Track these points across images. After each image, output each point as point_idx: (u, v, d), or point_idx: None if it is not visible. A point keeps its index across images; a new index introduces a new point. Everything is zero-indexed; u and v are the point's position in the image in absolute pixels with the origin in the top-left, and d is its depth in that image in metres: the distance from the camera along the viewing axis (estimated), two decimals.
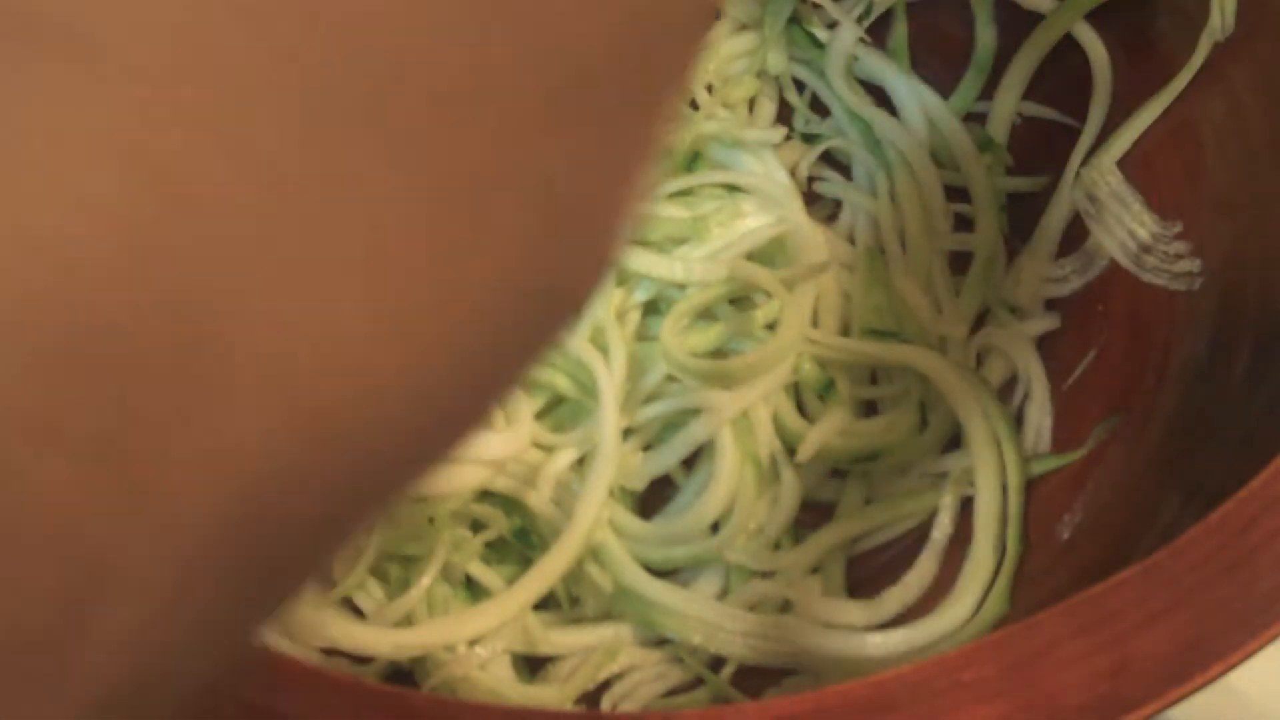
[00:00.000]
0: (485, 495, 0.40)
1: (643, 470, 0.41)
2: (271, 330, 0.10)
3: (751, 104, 0.48)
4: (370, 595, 0.38)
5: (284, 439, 0.10)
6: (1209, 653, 0.25)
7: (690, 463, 0.42)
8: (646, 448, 0.42)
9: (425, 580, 0.38)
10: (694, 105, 0.47)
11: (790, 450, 0.42)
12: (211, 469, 0.10)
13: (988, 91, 0.46)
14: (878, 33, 0.48)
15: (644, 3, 0.11)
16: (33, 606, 0.09)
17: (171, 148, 0.09)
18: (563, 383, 0.41)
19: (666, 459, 0.41)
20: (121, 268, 0.09)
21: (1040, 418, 0.42)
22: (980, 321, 0.44)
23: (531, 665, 0.39)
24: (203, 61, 0.09)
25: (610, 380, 0.40)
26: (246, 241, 0.10)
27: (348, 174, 0.10)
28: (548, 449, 0.41)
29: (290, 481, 0.10)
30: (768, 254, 0.44)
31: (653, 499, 0.41)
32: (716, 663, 0.38)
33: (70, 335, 0.09)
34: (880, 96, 0.47)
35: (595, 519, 0.38)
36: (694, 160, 0.46)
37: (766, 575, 0.40)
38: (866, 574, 0.41)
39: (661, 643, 0.39)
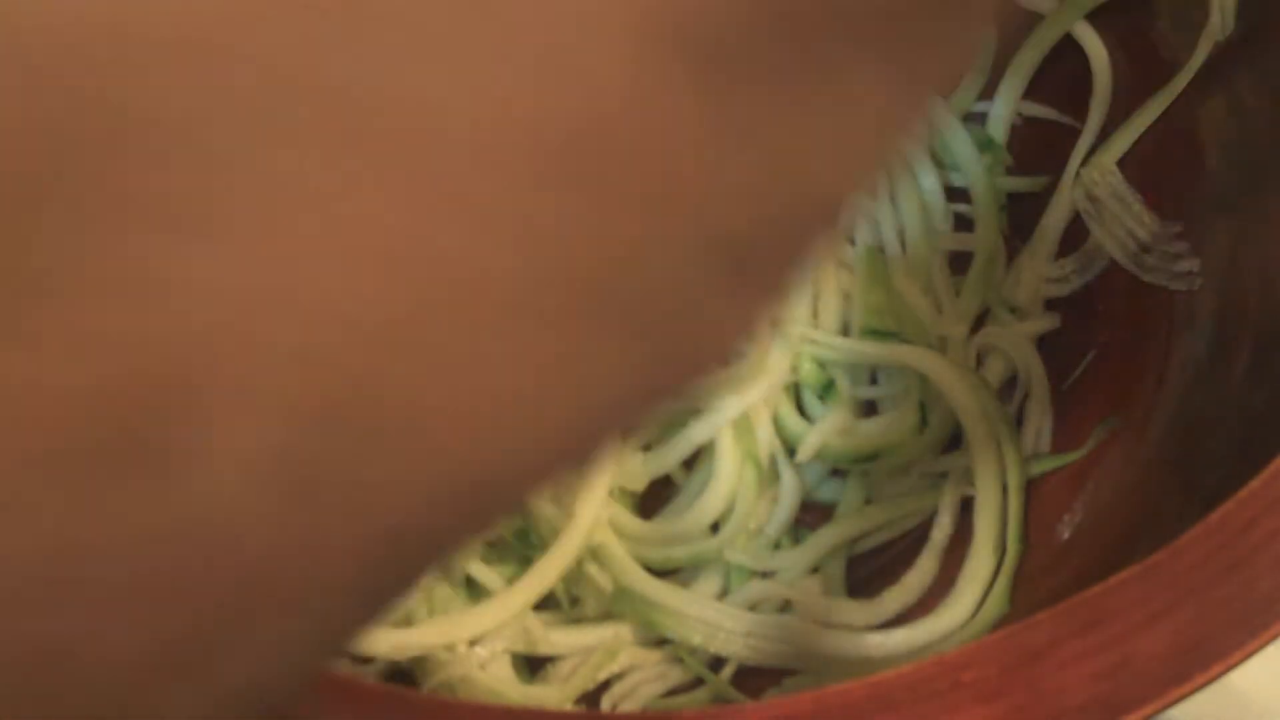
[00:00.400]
0: None
1: (643, 470, 0.41)
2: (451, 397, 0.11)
3: None
4: None
5: (443, 487, 0.11)
6: (1209, 653, 0.25)
7: (690, 463, 0.42)
8: (646, 448, 0.42)
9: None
10: None
11: (790, 450, 0.42)
12: (381, 504, 0.11)
13: (988, 91, 0.46)
14: None
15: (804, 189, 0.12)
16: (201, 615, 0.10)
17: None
18: None
19: (666, 459, 0.41)
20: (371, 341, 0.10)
21: (1040, 418, 0.42)
22: (980, 321, 0.44)
23: (531, 665, 0.39)
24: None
25: None
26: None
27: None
28: None
29: (436, 522, 0.11)
30: None
31: (653, 499, 0.41)
32: (716, 663, 0.38)
33: (329, 395, 0.10)
34: None
35: (595, 519, 0.38)
36: None
37: (766, 575, 0.40)
38: (866, 574, 0.41)
39: (661, 643, 0.39)
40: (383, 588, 0.12)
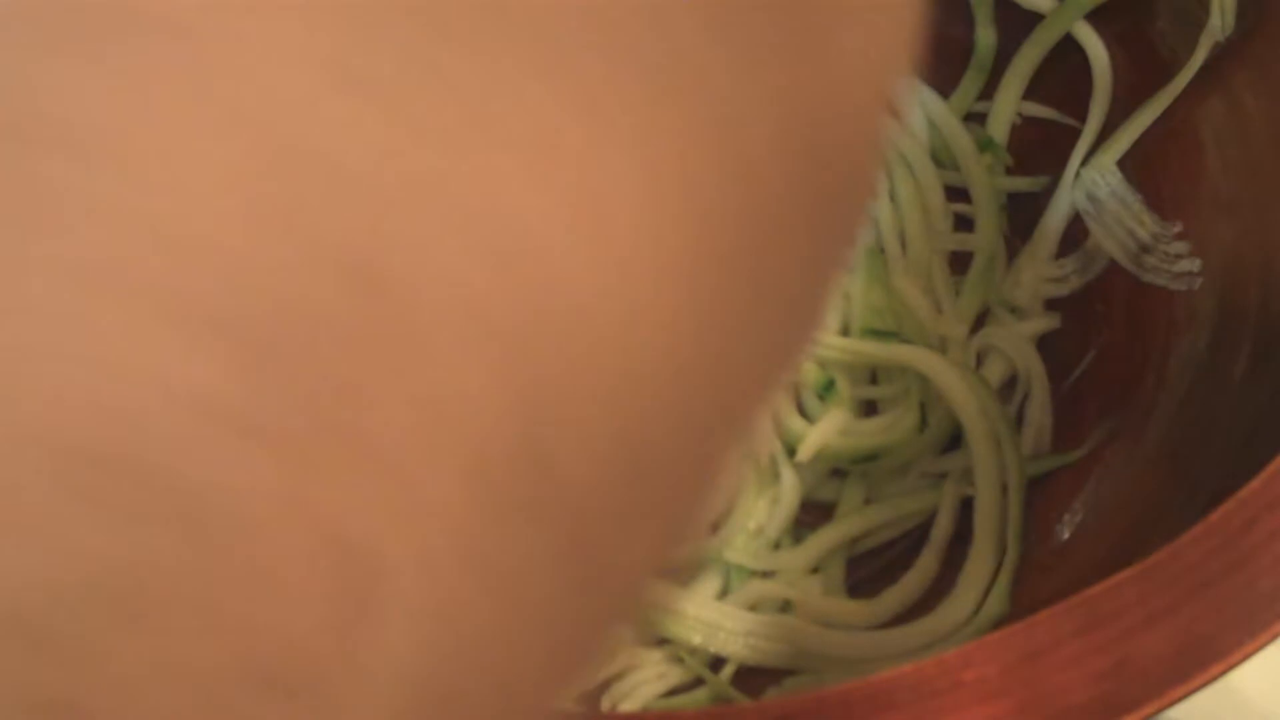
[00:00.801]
0: None
1: None
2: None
3: None
4: None
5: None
6: (1209, 653, 0.25)
7: None
8: None
9: None
10: None
11: (790, 450, 0.42)
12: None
13: (988, 91, 0.46)
14: None
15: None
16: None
17: None
18: None
19: None
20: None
21: (1040, 418, 0.42)
22: (980, 321, 0.44)
23: None
24: None
25: None
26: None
27: None
28: None
29: None
30: None
31: None
32: (716, 663, 0.38)
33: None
34: None
35: None
36: None
37: (766, 575, 0.40)
38: (866, 574, 0.41)
39: (661, 643, 0.39)
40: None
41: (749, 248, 0.11)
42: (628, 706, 0.38)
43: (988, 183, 0.45)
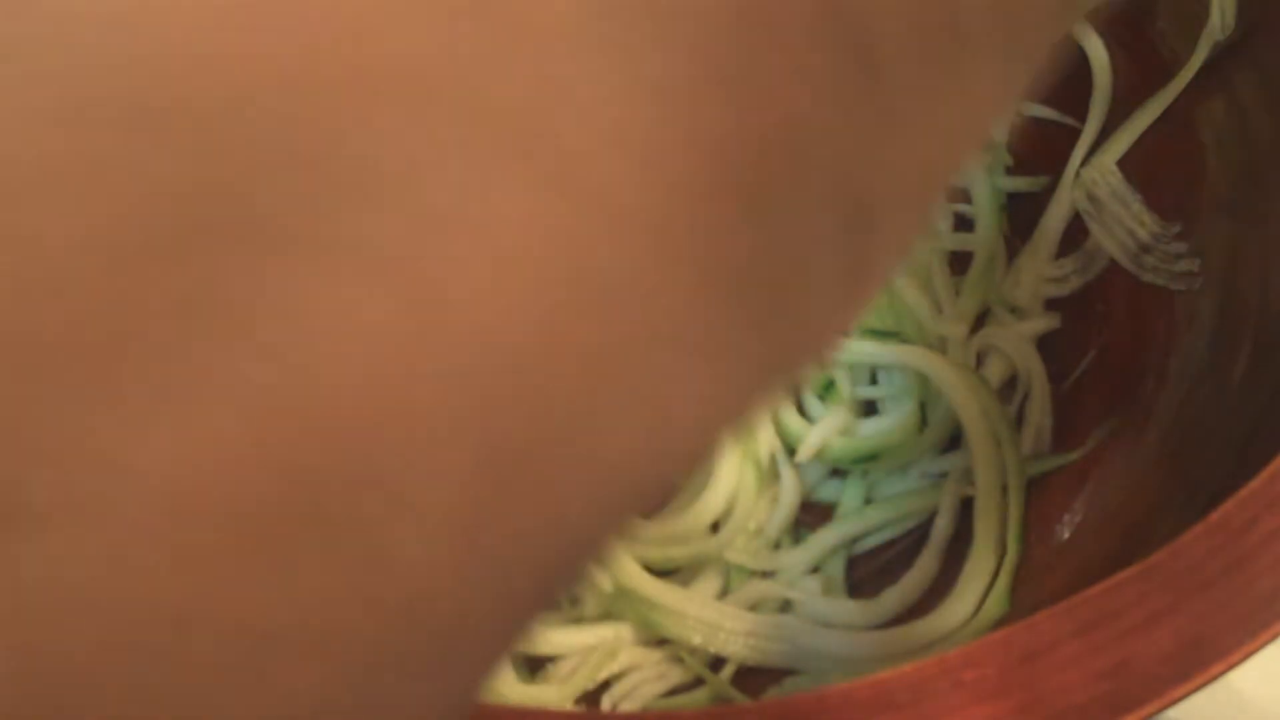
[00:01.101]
0: None
1: None
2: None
3: None
4: None
5: (610, 493, 0.11)
6: (1209, 653, 0.25)
7: None
8: None
9: None
10: None
11: (790, 450, 0.42)
12: (560, 528, 0.11)
13: None
14: None
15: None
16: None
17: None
18: None
19: None
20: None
21: (1040, 418, 0.42)
22: (980, 321, 0.44)
23: (531, 665, 0.39)
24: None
25: None
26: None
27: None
28: None
29: (601, 530, 0.11)
30: None
31: None
32: (716, 663, 0.38)
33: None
34: None
35: None
36: None
37: (766, 575, 0.40)
38: (866, 574, 0.41)
39: (661, 643, 0.39)
40: (547, 606, 0.12)
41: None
42: (628, 706, 0.38)
43: (988, 183, 0.45)
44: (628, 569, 0.39)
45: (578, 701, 0.38)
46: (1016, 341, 0.43)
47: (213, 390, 0.09)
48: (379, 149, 0.09)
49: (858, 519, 0.41)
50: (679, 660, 0.38)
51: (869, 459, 0.42)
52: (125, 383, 0.08)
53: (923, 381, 0.42)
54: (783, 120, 0.10)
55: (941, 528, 0.40)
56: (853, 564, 0.41)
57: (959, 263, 0.45)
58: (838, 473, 0.42)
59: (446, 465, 0.09)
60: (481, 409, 0.09)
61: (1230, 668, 0.24)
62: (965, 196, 0.46)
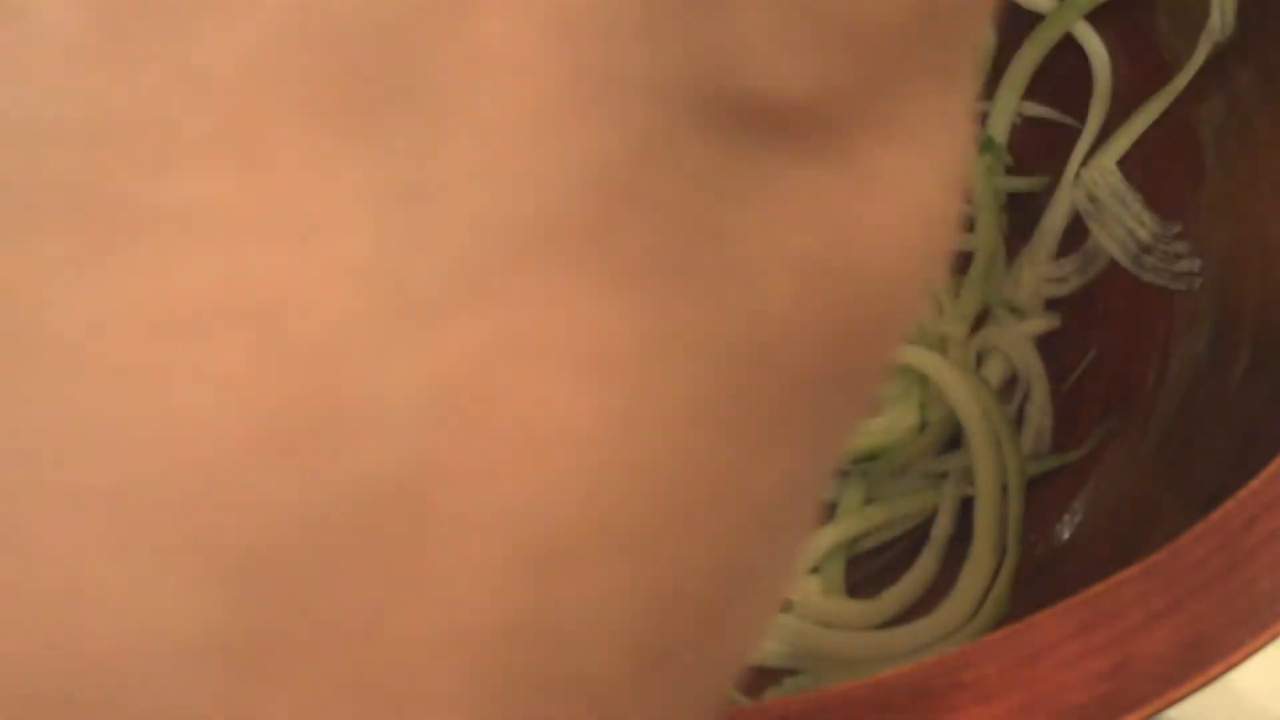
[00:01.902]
0: None
1: None
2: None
3: None
4: None
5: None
6: (1209, 653, 0.25)
7: None
8: None
9: None
10: None
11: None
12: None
13: (988, 91, 0.46)
14: None
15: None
16: None
17: None
18: None
19: None
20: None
21: (1040, 418, 0.42)
22: (980, 321, 0.44)
23: None
24: None
25: None
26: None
27: None
28: None
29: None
30: None
31: None
32: None
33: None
34: None
35: None
36: None
37: None
38: (866, 574, 0.41)
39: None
40: None
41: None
42: None
43: (988, 183, 0.45)
44: None
45: None
46: (1016, 341, 0.43)
47: None
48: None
49: (858, 519, 0.41)
50: None
51: (869, 459, 0.42)
52: None
53: (923, 381, 0.42)
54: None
55: (941, 528, 0.40)
56: (853, 564, 0.41)
57: (959, 263, 0.45)
58: (838, 473, 0.42)
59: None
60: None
61: (1230, 668, 0.24)
62: (965, 196, 0.45)
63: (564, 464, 0.09)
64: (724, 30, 0.09)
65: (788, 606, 0.39)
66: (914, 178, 0.11)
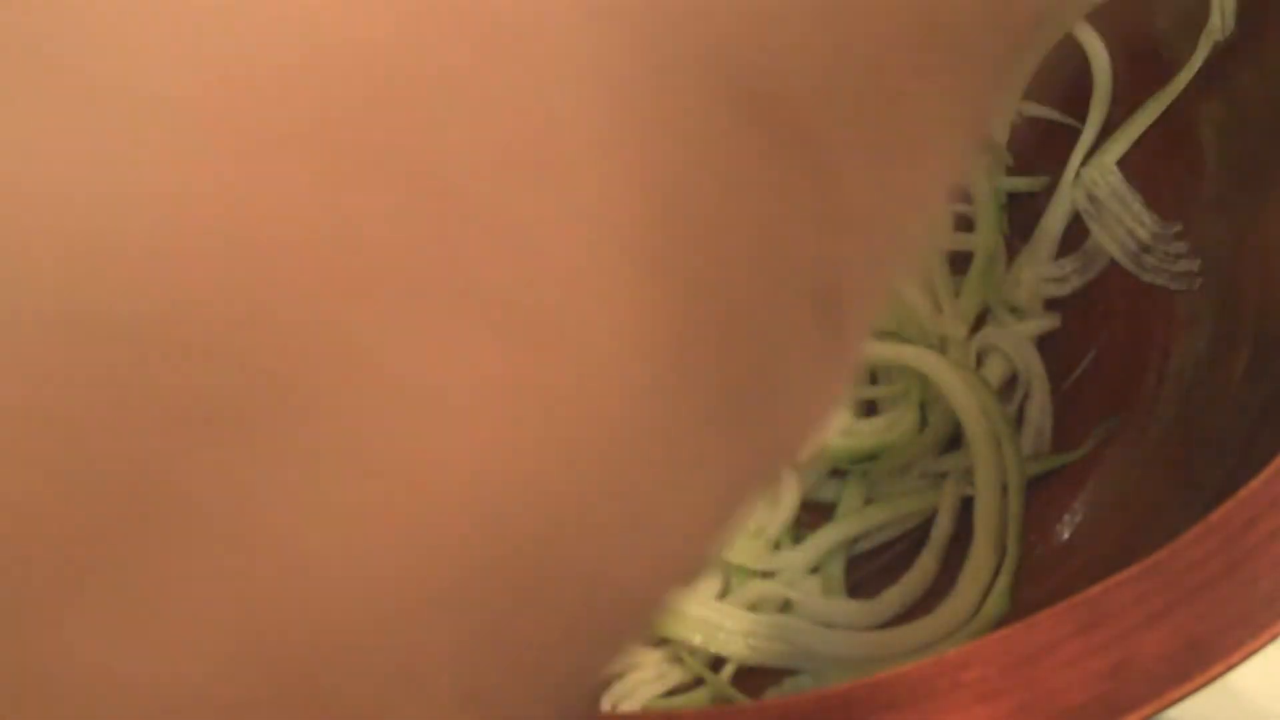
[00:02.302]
0: None
1: None
2: None
3: None
4: None
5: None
6: (1209, 653, 0.24)
7: None
8: None
9: None
10: None
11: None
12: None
13: None
14: None
15: None
16: None
17: None
18: None
19: None
20: None
21: (1040, 418, 0.42)
22: (980, 321, 0.44)
23: None
24: None
25: None
26: None
27: None
28: None
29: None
30: None
31: None
32: (716, 663, 0.38)
33: None
34: None
35: None
36: None
37: (766, 575, 0.40)
38: (866, 574, 0.41)
39: (661, 643, 0.39)
40: None
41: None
42: (628, 706, 0.38)
43: (988, 183, 0.45)
44: None
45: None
46: (1016, 341, 0.43)
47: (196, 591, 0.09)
48: (360, 331, 0.09)
49: (858, 519, 0.41)
50: (679, 660, 0.38)
51: (869, 459, 0.42)
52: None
53: (923, 381, 0.42)
54: (747, 230, 0.10)
55: (941, 528, 0.40)
56: (853, 564, 0.41)
57: (959, 263, 0.45)
58: (838, 473, 0.42)
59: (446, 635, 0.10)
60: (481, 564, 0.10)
61: (1230, 668, 0.24)
62: (965, 196, 0.46)
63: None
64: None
65: (788, 606, 0.39)
66: (911, 186, 0.12)
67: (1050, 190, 0.44)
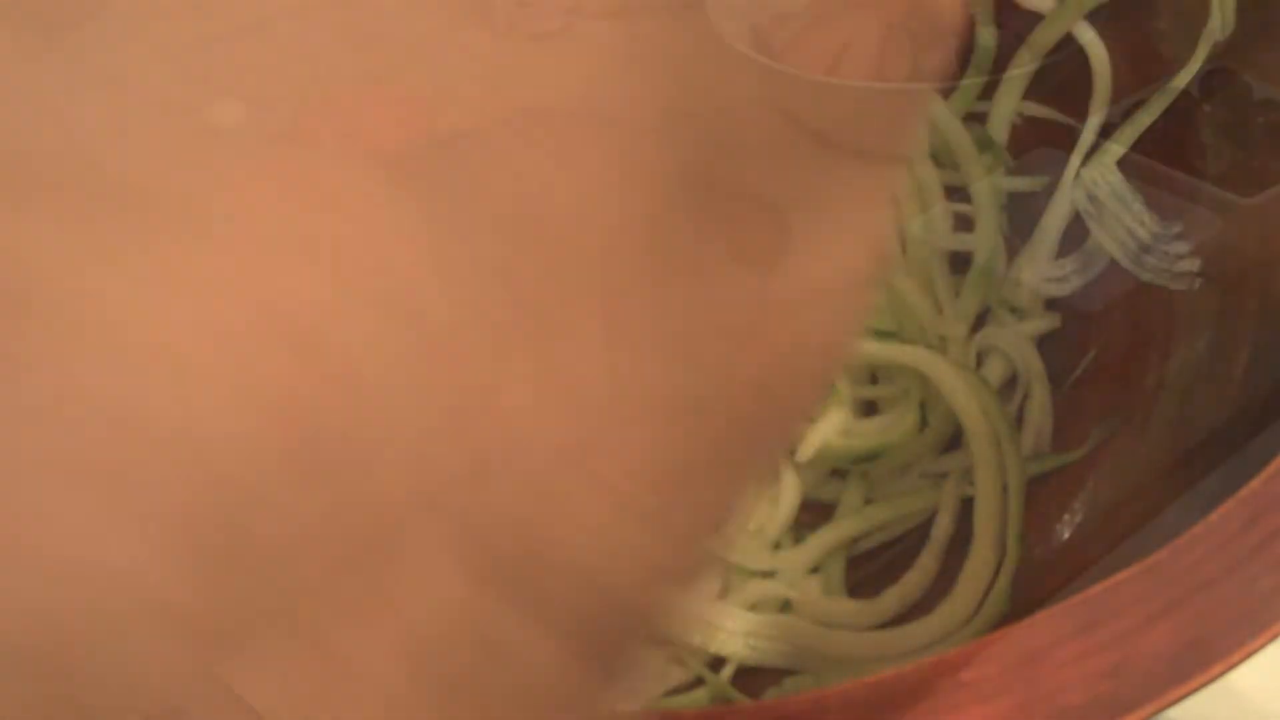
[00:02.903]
0: None
1: None
2: None
3: None
4: None
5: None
6: (1209, 653, 0.24)
7: None
8: None
9: None
10: None
11: (790, 450, 0.42)
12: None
13: (988, 91, 0.46)
14: None
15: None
16: None
17: None
18: None
19: None
20: None
21: (1040, 418, 0.42)
22: (980, 321, 0.44)
23: None
24: None
25: None
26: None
27: None
28: None
29: None
30: None
31: None
32: (716, 663, 0.38)
33: None
34: None
35: None
36: None
37: (766, 575, 0.40)
38: (866, 574, 0.41)
39: (661, 643, 0.39)
40: None
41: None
42: (627, 706, 0.38)
43: (988, 183, 0.45)
44: None
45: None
46: (1016, 341, 0.43)
47: None
48: None
49: (858, 519, 0.41)
50: (679, 660, 0.38)
51: (869, 459, 0.42)
52: None
53: (923, 381, 0.42)
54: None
55: (941, 528, 0.40)
56: (853, 564, 0.41)
57: (959, 263, 0.45)
58: (838, 473, 0.42)
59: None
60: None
61: (1230, 668, 0.24)
62: (965, 196, 0.46)
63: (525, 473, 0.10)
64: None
65: (788, 606, 0.39)
66: (839, 248, 0.12)
67: (1050, 190, 0.44)
